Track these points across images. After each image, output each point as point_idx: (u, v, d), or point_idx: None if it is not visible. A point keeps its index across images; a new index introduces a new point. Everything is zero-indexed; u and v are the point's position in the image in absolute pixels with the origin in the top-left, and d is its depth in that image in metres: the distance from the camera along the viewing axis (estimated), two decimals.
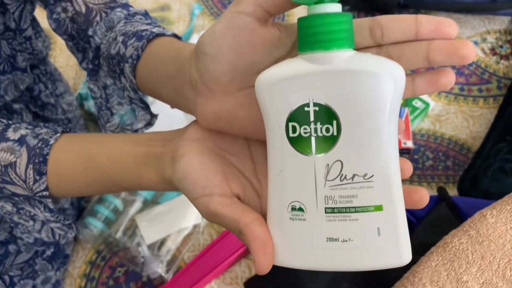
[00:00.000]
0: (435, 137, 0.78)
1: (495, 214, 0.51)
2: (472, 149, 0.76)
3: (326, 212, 0.29)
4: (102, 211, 0.72)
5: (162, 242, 0.69)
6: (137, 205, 0.72)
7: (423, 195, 0.32)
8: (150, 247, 0.68)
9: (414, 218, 0.60)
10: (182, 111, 0.41)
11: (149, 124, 0.55)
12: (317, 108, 0.28)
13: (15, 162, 0.43)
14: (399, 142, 0.73)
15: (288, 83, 0.29)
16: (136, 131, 0.55)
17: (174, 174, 0.36)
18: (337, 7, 0.28)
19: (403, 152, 0.73)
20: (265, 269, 0.31)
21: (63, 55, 1.01)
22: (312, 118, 0.28)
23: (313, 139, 0.29)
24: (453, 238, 0.51)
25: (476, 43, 0.89)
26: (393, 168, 0.29)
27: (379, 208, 0.29)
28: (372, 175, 0.29)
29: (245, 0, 0.31)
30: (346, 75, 0.28)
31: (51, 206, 0.45)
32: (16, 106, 0.64)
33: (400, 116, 0.73)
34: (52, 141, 0.42)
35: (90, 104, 0.89)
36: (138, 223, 0.69)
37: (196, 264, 0.68)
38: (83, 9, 0.51)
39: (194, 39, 0.96)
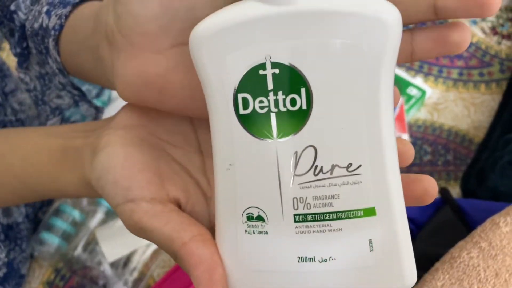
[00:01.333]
0: (433, 128, 0.70)
1: (510, 222, 0.43)
2: (475, 141, 0.68)
3: (295, 221, 0.21)
4: (59, 224, 0.63)
5: (128, 258, 0.60)
6: (99, 216, 0.64)
7: (429, 186, 0.23)
8: (113, 265, 0.59)
9: (413, 225, 0.52)
10: None
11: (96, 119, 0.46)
12: (277, 71, 0.20)
13: None
14: None
15: (234, 35, 0.20)
16: None
17: (91, 172, 0.27)
18: None
19: None
20: None
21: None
22: (270, 86, 0.20)
23: (273, 116, 0.20)
24: (461, 251, 0.43)
25: (474, 22, 0.81)
26: (388, 155, 0.21)
27: (370, 212, 0.21)
28: (359, 166, 0.20)
29: None
30: (318, 19, 0.19)
31: None
32: None
33: (395, 108, 0.65)
34: None
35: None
36: (98, 238, 0.60)
37: (167, 282, 0.60)
38: None
39: None
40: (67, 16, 0.34)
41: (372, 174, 0.20)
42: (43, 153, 0.31)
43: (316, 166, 0.20)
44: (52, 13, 0.36)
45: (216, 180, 0.22)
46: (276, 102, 0.20)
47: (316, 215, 0.20)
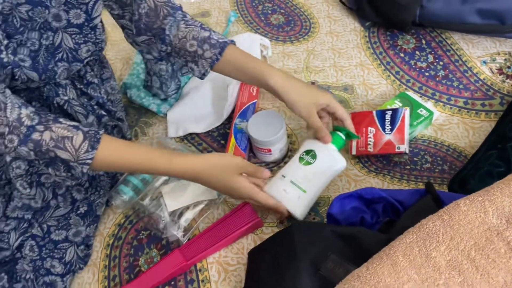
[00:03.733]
0: (435, 144, 0.85)
1: (468, 204, 0.58)
2: (469, 157, 0.82)
3: None
4: (133, 181, 0.83)
5: (182, 212, 0.79)
6: (164, 177, 0.83)
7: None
8: (171, 214, 0.78)
9: (402, 207, 0.67)
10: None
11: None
12: None
13: (72, 137, 0.63)
14: (393, 146, 0.80)
15: None
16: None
17: None
18: None
19: (401, 154, 0.81)
20: None
21: (113, 49, 1.14)
22: None
23: None
24: (428, 221, 0.59)
25: (485, 62, 0.96)
26: None
27: None
28: None
29: None
30: None
31: (84, 170, 0.64)
32: (63, 81, 0.76)
33: (398, 117, 0.80)
34: (101, 132, 0.64)
35: (132, 93, 1.01)
36: (163, 193, 0.79)
37: (209, 233, 0.78)
38: (152, 5, 0.77)
39: None
40: (221, 55, 0.78)
41: None
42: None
43: None
44: (204, 48, 0.79)
45: None
46: None
47: None
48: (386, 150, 0.80)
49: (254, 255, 0.70)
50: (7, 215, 0.78)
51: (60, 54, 0.71)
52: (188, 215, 0.78)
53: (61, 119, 0.64)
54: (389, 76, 0.98)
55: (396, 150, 0.79)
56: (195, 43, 0.78)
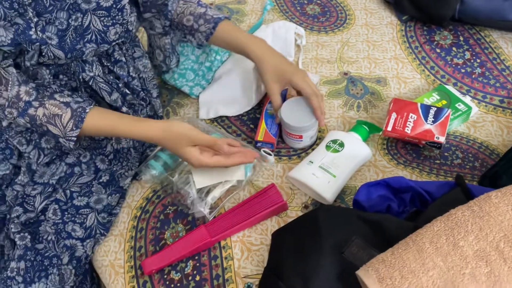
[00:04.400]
0: (467, 140, 0.84)
1: (499, 196, 0.57)
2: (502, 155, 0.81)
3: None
4: (163, 157, 0.85)
5: (209, 190, 0.80)
6: None
7: None
8: (199, 191, 0.80)
9: (430, 198, 0.67)
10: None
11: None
12: None
13: (61, 115, 0.71)
14: (432, 135, 0.79)
15: None
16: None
17: None
18: None
19: (435, 145, 0.80)
20: None
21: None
22: None
23: None
24: (457, 210, 0.58)
25: None
26: None
27: None
28: None
29: None
30: None
31: (71, 146, 0.74)
32: (90, 58, 0.78)
33: (441, 116, 0.80)
34: (87, 109, 0.72)
35: (166, 74, 1.03)
36: (192, 170, 0.81)
37: (234, 213, 0.79)
38: None
39: (262, 31, 1.08)
40: (214, 29, 0.83)
41: None
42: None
43: None
44: (199, 23, 0.87)
45: None
46: None
47: None
48: (424, 136, 0.79)
49: (278, 236, 0.71)
50: (34, 180, 0.81)
51: (89, 36, 0.73)
52: (215, 193, 0.80)
53: (56, 95, 0.72)
54: (423, 70, 0.97)
55: (435, 139, 0.78)
56: (191, 18, 0.87)
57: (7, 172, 0.81)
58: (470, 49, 0.99)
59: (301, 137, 0.85)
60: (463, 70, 0.95)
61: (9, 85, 0.69)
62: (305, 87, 0.82)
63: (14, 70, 0.70)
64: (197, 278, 0.73)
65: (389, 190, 0.68)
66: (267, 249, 0.75)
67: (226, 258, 0.75)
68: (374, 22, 1.09)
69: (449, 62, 0.97)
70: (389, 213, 0.67)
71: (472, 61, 0.96)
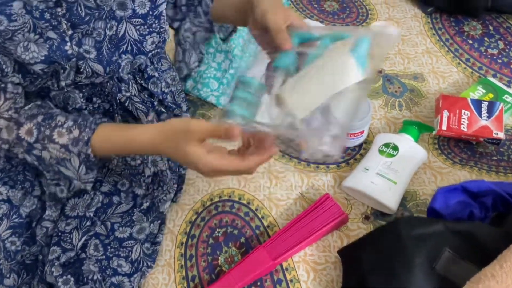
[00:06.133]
0: None
1: None
2: None
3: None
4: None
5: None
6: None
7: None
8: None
9: None
10: None
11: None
12: None
13: (70, 159, 0.62)
14: (491, 131, 0.76)
15: None
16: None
17: None
18: None
19: (493, 142, 0.77)
20: None
21: None
22: None
23: None
24: None
25: None
26: None
27: None
28: None
29: None
30: None
31: (88, 188, 0.67)
32: (125, 76, 0.72)
33: (495, 108, 0.77)
34: (89, 150, 0.61)
35: (188, 84, 0.96)
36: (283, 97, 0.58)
37: (291, 230, 0.73)
38: None
39: None
40: None
41: None
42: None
43: None
44: None
45: None
46: None
47: None
48: (482, 133, 0.76)
49: (351, 254, 0.66)
50: (66, 214, 0.73)
51: (125, 46, 0.66)
52: (339, 114, 0.54)
53: (54, 136, 0.62)
54: (459, 63, 0.94)
55: (494, 135, 0.75)
56: None
57: (33, 207, 0.73)
58: (502, 38, 0.96)
59: (362, 132, 0.80)
60: (499, 61, 0.92)
61: (5, 132, 0.63)
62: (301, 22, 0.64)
63: (15, 113, 0.64)
64: None
65: (468, 195, 0.64)
66: (334, 267, 0.70)
67: (291, 281, 0.69)
68: (398, 16, 1.05)
69: (484, 53, 0.94)
70: (472, 220, 0.63)
71: (507, 50, 0.94)
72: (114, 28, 0.64)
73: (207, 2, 0.78)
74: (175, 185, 0.80)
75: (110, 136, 0.62)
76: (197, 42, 0.88)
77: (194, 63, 0.91)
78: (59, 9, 0.58)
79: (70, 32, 0.60)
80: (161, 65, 0.82)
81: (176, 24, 0.83)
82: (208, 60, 0.98)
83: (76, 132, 0.62)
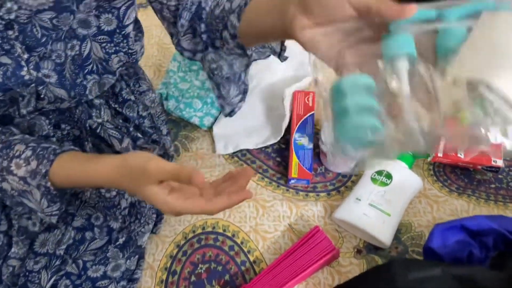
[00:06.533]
0: None
1: None
2: None
3: None
4: None
5: None
6: None
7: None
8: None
9: None
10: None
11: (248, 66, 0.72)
12: None
13: (31, 191, 0.56)
14: (489, 159, 0.72)
15: None
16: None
17: None
18: None
19: (492, 170, 0.73)
20: None
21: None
22: None
23: None
24: None
25: None
26: None
27: None
28: None
29: None
30: None
31: (53, 221, 0.60)
32: (97, 101, 0.67)
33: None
34: (49, 184, 0.55)
35: (170, 104, 0.91)
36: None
37: (279, 267, 0.68)
38: None
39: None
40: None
41: None
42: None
43: None
44: None
45: None
46: None
47: None
48: (480, 160, 0.72)
49: None
50: (35, 250, 0.67)
51: (90, 66, 0.61)
52: None
53: (12, 168, 0.55)
54: None
55: (493, 163, 0.71)
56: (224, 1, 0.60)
57: None
58: None
59: None
60: None
61: None
62: None
63: None
64: None
65: (467, 233, 0.60)
66: None
67: None
68: None
69: None
70: (472, 261, 0.59)
71: None
72: (77, 48, 0.58)
73: (233, 23, 0.58)
74: (154, 215, 0.75)
75: (68, 169, 0.56)
76: (235, 72, 0.74)
77: (237, 97, 0.78)
78: (10, 32, 0.52)
79: (26, 56, 0.54)
80: (139, 86, 0.77)
81: (198, 56, 0.68)
82: (191, 78, 0.93)
83: (34, 164, 0.56)
